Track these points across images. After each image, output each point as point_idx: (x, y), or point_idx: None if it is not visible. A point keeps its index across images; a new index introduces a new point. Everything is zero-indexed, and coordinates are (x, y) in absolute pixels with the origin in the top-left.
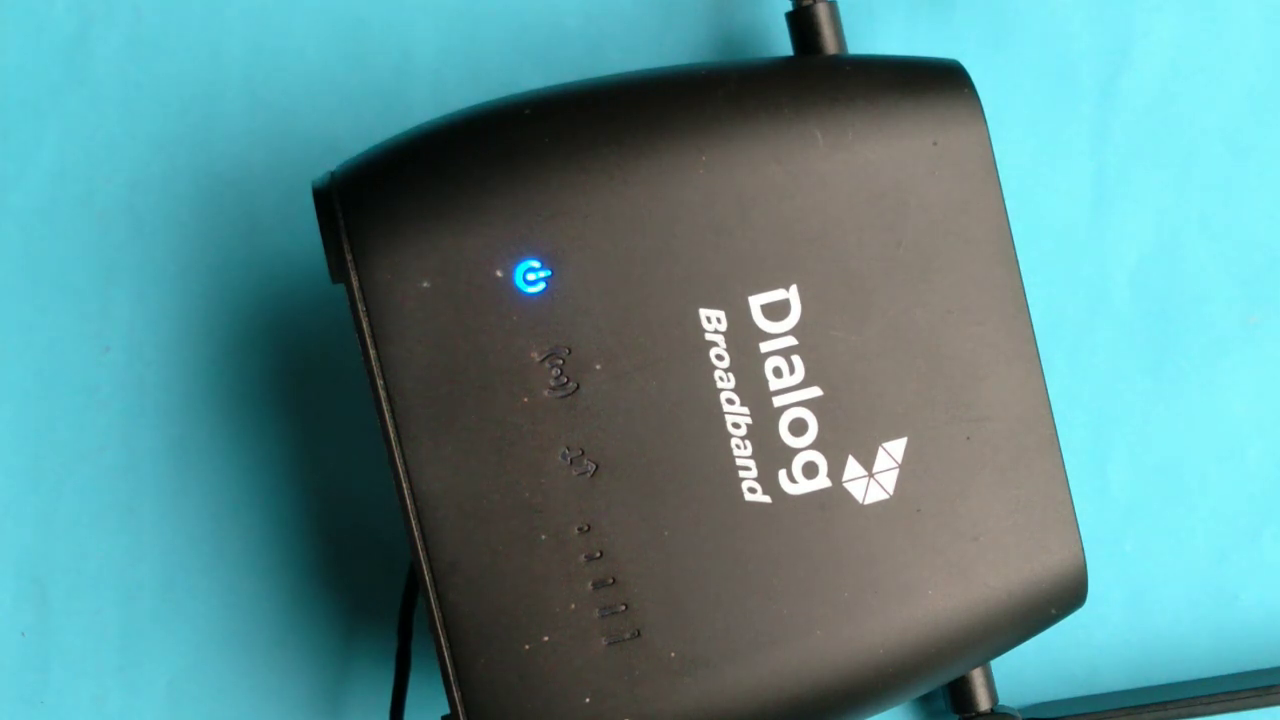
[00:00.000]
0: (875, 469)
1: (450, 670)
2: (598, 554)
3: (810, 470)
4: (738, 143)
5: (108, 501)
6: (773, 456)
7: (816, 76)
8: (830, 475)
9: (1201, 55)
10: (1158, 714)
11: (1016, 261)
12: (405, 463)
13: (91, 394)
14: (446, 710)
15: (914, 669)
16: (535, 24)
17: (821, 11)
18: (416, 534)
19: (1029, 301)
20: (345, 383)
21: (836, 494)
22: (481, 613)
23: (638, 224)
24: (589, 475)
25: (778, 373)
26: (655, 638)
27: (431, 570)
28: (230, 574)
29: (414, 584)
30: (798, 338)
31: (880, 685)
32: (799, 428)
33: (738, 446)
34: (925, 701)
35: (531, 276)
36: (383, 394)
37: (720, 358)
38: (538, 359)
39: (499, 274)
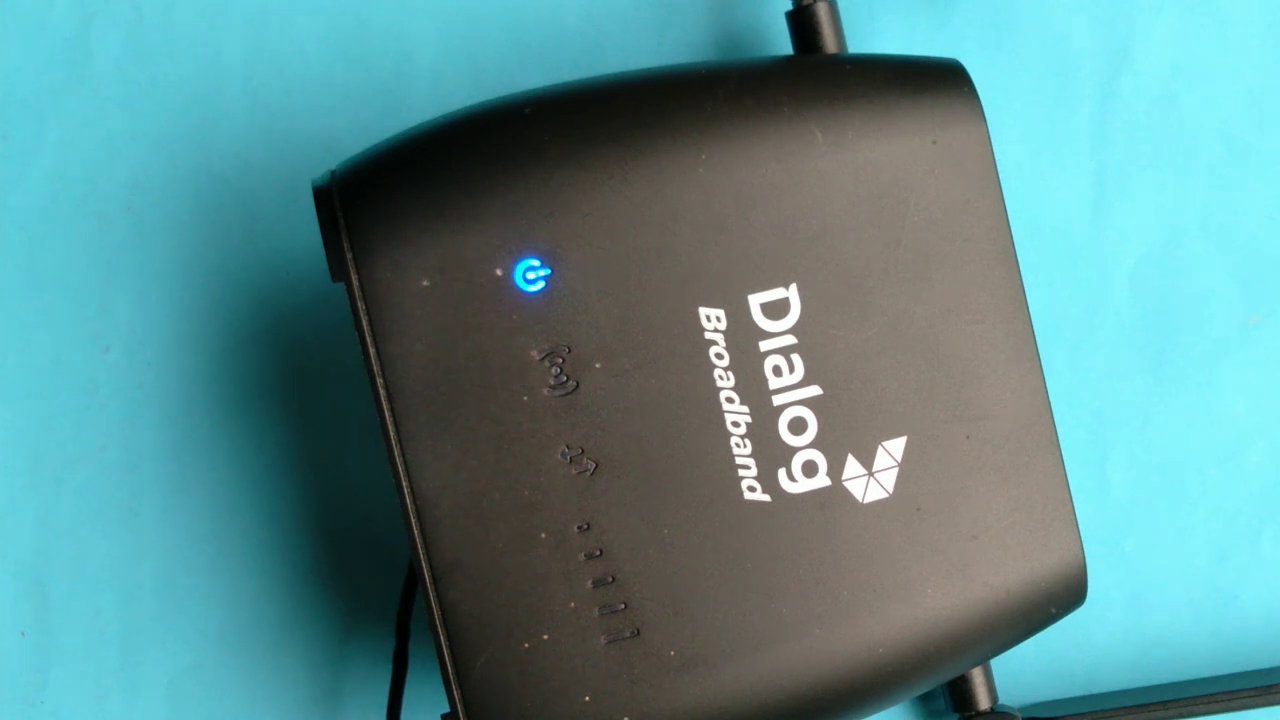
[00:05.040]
0: (875, 468)
1: (450, 668)
2: (597, 552)
3: (810, 469)
4: (738, 142)
5: (108, 501)
6: (772, 455)
7: (816, 76)
8: (830, 474)
9: (1201, 55)
10: (1158, 714)
11: (1016, 261)
12: (405, 461)
13: (91, 394)
14: (446, 709)
15: (913, 668)
16: (535, 24)
17: (821, 11)
18: (416, 532)
19: (1029, 301)
20: (345, 382)
21: (836, 493)
22: (481, 611)
23: (638, 222)
24: (589, 474)
25: (777, 371)
26: (654, 636)
27: (431, 569)
28: (230, 574)
29: (412, 583)
30: (797, 336)
31: (880, 684)
32: (798, 426)
33: (737, 445)
34: (925, 701)
35: (531, 275)
36: (382, 392)
37: (720, 356)
38: (537, 357)
39: (499, 272)
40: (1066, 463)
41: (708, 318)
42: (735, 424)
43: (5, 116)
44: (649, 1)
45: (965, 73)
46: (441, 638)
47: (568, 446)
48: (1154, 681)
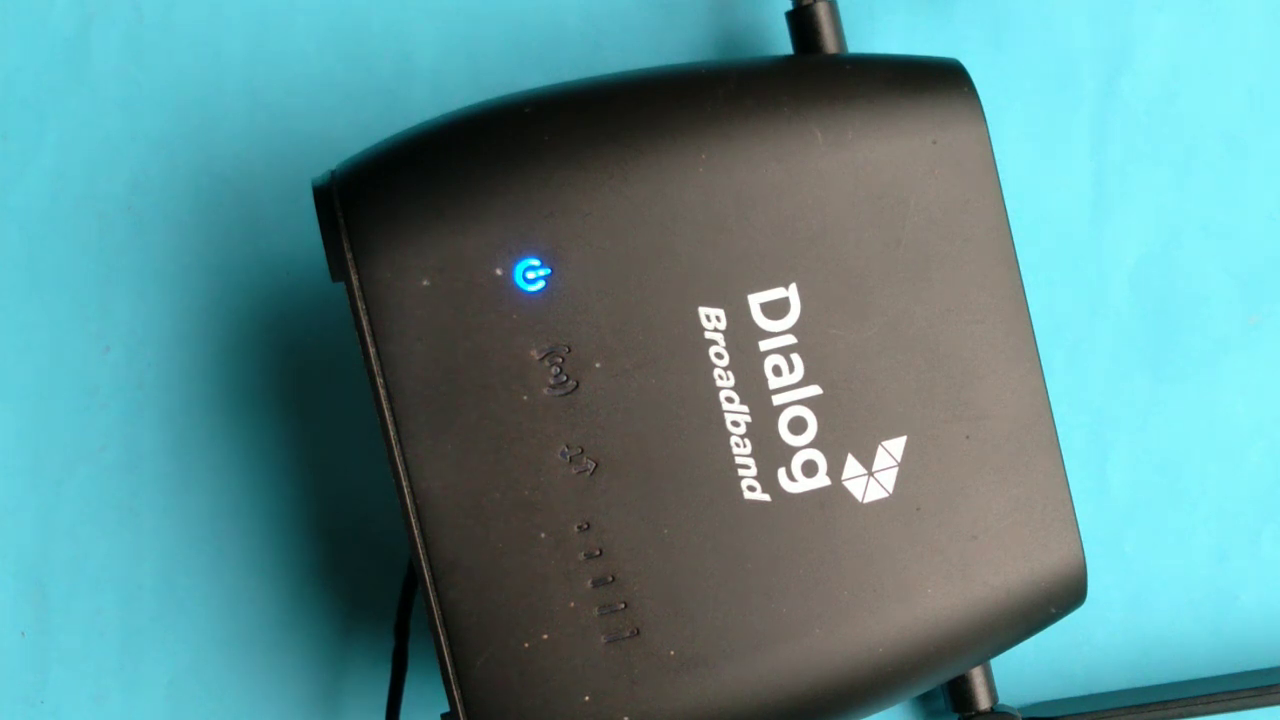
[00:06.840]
0: (875, 467)
1: (450, 668)
2: (597, 552)
3: (810, 469)
4: (738, 141)
5: (108, 501)
6: (772, 455)
7: (816, 76)
8: (830, 474)
9: (1201, 55)
10: (1157, 714)
11: (1016, 261)
12: (405, 461)
13: (91, 394)
14: (446, 709)
15: (913, 668)
16: (535, 24)
17: (821, 11)
18: (416, 532)
19: (1029, 301)
20: (345, 382)
21: (836, 492)
22: (481, 611)
23: (637, 222)
24: (589, 473)
25: (777, 371)
26: (654, 636)
27: (431, 568)
28: (230, 574)
29: (412, 583)
30: (797, 336)
31: (879, 684)
32: (798, 426)
33: (737, 445)
34: (925, 701)
35: (531, 275)
36: (382, 392)
37: (720, 356)
38: (537, 357)
39: (499, 272)
40: (1066, 463)
41: (707, 317)
42: (735, 424)
43: (5, 116)
44: (649, 1)
45: (965, 73)
46: (441, 638)
47: (568, 446)
48: (1154, 681)
